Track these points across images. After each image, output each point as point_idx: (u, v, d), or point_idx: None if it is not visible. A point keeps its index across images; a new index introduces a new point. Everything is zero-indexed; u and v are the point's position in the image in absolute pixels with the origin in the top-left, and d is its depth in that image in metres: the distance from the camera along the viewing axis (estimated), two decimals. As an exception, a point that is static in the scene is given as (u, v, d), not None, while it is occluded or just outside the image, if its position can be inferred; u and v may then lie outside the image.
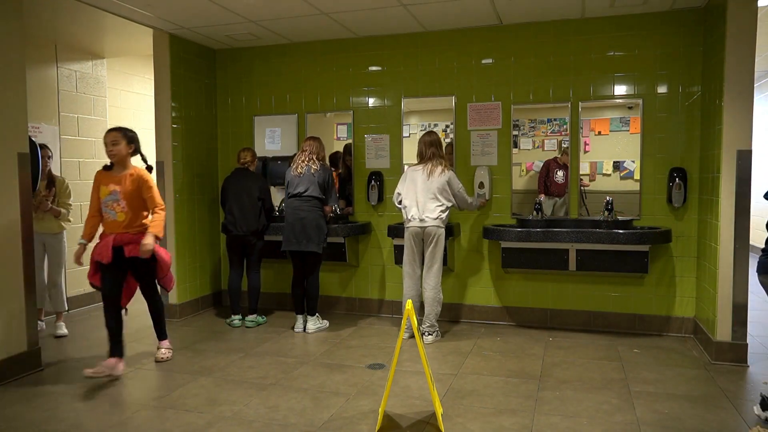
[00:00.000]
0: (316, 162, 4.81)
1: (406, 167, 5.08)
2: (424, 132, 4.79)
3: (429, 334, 4.53)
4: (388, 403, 3.27)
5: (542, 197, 4.90)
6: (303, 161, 4.81)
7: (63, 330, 4.87)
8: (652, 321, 4.75)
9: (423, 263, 4.56)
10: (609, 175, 4.82)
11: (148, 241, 3.75)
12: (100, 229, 3.93)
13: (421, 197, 4.46)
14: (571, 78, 4.85)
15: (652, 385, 3.61)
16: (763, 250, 3.10)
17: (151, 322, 4.25)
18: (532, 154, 4.98)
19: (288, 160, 5.64)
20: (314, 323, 4.90)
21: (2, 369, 3.71)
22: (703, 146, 4.46)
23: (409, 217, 4.49)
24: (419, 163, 4.60)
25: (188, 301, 5.45)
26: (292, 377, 3.78)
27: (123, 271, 3.89)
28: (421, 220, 4.44)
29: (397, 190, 4.66)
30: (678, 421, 3.08)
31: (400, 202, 4.62)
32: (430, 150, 4.55)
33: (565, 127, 4.88)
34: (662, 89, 4.65)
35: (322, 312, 5.56)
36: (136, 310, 5.76)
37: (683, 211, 4.65)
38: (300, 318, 4.95)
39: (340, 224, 5.15)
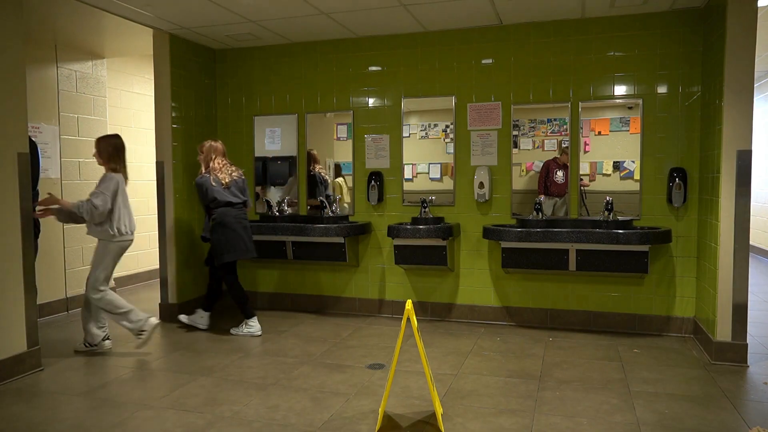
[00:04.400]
0: (237, 168, 4.90)
1: (113, 175, 4.30)
2: (112, 135, 4.48)
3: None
4: (388, 403, 3.27)
5: (542, 197, 4.90)
6: (228, 170, 4.82)
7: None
8: (652, 321, 4.75)
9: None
10: (609, 175, 4.82)
11: None
12: None
13: (129, 209, 4.38)
14: (571, 78, 4.85)
15: (652, 385, 3.61)
16: None
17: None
18: (532, 154, 4.98)
19: (287, 160, 5.67)
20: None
21: (2, 369, 3.71)
22: (703, 146, 4.46)
23: (123, 230, 4.27)
24: (122, 170, 4.35)
25: (188, 301, 5.44)
26: (292, 377, 3.78)
27: None
28: (132, 233, 4.39)
29: (108, 197, 4.17)
30: (678, 421, 3.08)
31: (103, 212, 4.17)
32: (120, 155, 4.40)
33: (565, 127, 4.88)
34: (662, 89, 4.65)
35: (323, 311, 5.57)
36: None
37: (683, 211, 4.65)
38: (205, 315, 5.00)
39: (340, 224, 5.15)
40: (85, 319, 4.35)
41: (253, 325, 4.81)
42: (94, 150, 4.38)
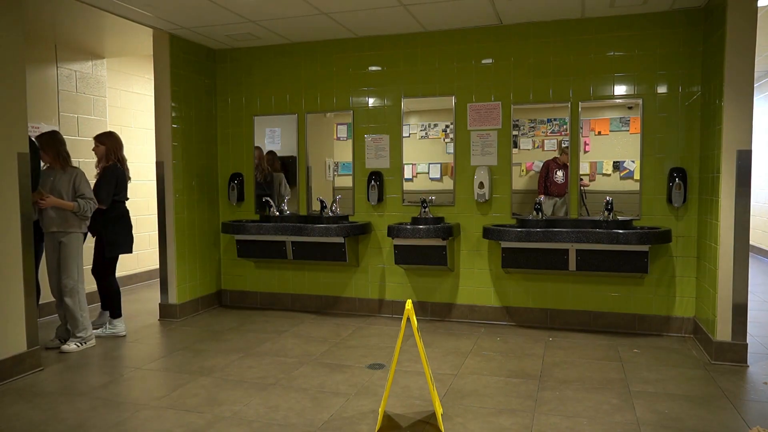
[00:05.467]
0: None
1: (79, 170, 4.51)
2: (53, 131, 4.50)
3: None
4: (388, 403, 3.27)
5: (542, 197, 4.90)
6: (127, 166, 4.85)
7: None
8: (652, 321, 4.75)
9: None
10: (609, 175, 4.82)
11: None
12: None
13: None
14: (571, 78, 4.85)
15: (652, 385, 3.61)
16: None
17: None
18: (532, 154, 4.98)
19: (288, 160, 5.68)
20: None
21: (2, 369, 3.71)
22: (703, 146, 4.46)
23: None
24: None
25: (188, 301, 5.45)
26: (292, 377, 3.78)
27: None
28: None
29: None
30: (678, 421, 3.08)
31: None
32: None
33: (565, 127, 4.88)
34: (662, 89, 4.65)
35: (323, 311, 5.58)
36: (136, 309, 5.77)
37: (683, 211, 4.65)
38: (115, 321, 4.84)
39: (340, 224, 5.15)
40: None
41: (119, 326, 4.79)
42: (41, 151, 4.38)
